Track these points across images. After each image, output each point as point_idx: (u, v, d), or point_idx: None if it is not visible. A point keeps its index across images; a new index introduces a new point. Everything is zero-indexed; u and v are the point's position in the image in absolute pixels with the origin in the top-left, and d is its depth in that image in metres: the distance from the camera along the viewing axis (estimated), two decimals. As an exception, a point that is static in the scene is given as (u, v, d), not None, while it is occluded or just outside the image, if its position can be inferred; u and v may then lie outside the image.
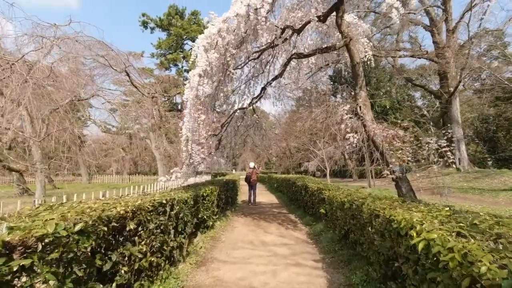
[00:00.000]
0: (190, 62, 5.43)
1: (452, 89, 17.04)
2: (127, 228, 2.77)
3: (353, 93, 7.49)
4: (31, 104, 9.08)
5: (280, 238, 6.73)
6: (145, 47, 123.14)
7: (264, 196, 16.81)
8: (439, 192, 9.66)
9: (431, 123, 25.26)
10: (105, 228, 2.36)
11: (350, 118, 6.30)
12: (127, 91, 25.35)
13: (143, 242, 3.10)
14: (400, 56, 18.08)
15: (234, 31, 5.24)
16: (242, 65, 6.97)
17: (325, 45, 6.85)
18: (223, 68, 5.36)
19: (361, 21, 7.83)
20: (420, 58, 17.79)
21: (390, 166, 5.58)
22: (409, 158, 5.18)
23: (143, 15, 35.12)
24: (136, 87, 16.02)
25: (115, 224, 2.54)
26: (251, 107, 8.41)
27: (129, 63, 14.37)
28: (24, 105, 8.76)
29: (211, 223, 6.88)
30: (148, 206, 3.21)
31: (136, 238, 2.98)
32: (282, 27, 7.02)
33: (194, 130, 5.08)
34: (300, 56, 6.78)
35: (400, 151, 5.38)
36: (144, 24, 35.95)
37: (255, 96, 8.25)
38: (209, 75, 4.89)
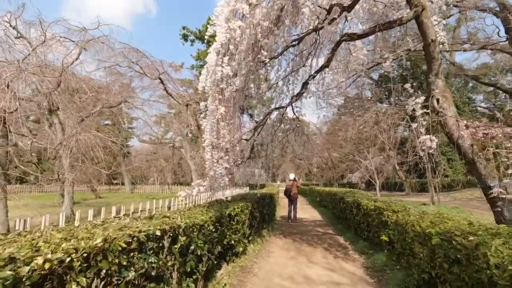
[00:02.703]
0: (206, 41, 4.35)
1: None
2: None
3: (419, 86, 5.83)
4: (64, 110, 8.70)
5: (329, 273, 5.18)
6: (186, 59, 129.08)
7: (306, 211, 15.13)
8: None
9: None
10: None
11: (425, 114, 4.66)
12: (169, 104, 25.59)
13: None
14: (465, 50, 15.51)
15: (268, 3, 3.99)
16: (279, 53, 5.70)
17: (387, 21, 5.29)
18: (253, 51, 4.14)
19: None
20: (493, 49, 15.03)
21: (497, 183, 3.86)
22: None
23: (183, 28, 35.82)
24: (170, 94, 15.63)
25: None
26: (290, 108, 7.07)
27: (163, 69, 14.00)
28: (55, 112, 8.37)
29: (241, 248, 5.56)
30: (122, 244, 1.98)
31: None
32: (327, 7, 5.66)
33: (213, 129, 3.90)
34: (352, 37, 5.32)
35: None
36: (185, 37, 36.64)
37: (295, 94, 6.91)
38: (233, 56, 3.69)
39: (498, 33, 12.52)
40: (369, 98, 30.00)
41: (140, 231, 2.24)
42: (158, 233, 2.40)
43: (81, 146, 9.21)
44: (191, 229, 3.07)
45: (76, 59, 9.33)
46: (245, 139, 5.54)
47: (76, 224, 4.30)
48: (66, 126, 9.52)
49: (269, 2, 4.09)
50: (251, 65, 4.16)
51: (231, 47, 3.53)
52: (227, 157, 4.06)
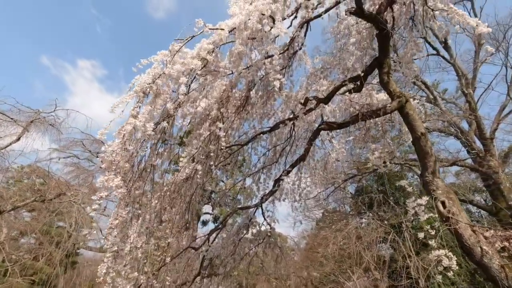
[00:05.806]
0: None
1: (512, 203, 13.74)
2: None
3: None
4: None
5: None
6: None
7: None
8: None
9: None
10: None
11: (434, 221, 3.52)
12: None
13: None
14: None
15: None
16: (247, 142, 4.84)
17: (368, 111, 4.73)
18: (208, 128, 3.18)
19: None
20: (462, 166, 15.43)
21: None
22: None
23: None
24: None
25: None
26: (259, 212, 5.77)
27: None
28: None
29: None
30: None
31: None
32: (302, 101, 5.22)
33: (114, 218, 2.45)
34: (332, 126, 4.63)
35: None
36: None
37: (266, 193, 5.76)
38: (165, 113, 2.60)
39: (467, 151, 13.12)
40: (349, 212, 29.07)
41: None
42: None
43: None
44: None
45: (17, 140, 8.02)
46: (192, 248, 3.99)
47: None
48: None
49: (232, 73, 3.40)
50: (201, 143, 3.14)
51: (169, 105, 2.54)
52: (136, 273, 2.48)
